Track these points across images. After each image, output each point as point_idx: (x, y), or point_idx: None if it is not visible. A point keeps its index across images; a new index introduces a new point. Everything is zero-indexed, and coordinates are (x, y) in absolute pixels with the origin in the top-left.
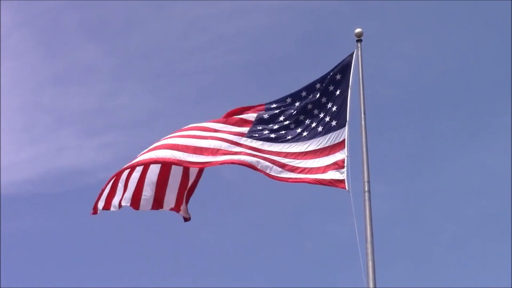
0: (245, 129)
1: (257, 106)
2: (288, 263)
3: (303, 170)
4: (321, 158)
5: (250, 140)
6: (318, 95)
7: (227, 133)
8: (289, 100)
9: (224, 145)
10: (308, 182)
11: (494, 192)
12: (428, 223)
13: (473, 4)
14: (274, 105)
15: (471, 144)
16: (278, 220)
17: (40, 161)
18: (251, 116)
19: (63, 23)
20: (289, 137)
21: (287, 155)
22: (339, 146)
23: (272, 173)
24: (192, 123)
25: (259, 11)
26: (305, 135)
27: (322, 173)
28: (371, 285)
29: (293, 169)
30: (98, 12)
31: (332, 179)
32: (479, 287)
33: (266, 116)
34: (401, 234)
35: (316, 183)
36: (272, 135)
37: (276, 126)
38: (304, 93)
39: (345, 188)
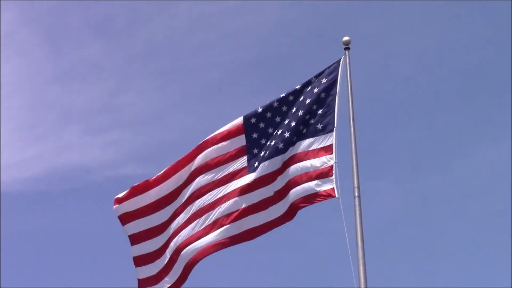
0: (243, 159)
1: (236, 125)
2: (290, 262)
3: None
4: (306, 161)
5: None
6: (303, 98)
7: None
8: (276, 104)
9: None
10: (300, 207)
11: (498, 191)
12: (433, 222)
13: (474, 4)
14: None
15: (476, 142)
16: None
17: (45, 158)
18: (239, 139)
19: (68, 20)
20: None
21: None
22: (325, 150)
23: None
24: (196, 142)
25: (265, 7)
26: (294, 139)
27: (307, 180)
28: (362, 285)
29: (280, 195)
30: (103, 10)
31: (319, 192)
32: (479, 287)
33: (255, 135)
34: (405, 232)
35: (308, 204)
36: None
37: (271, 142)
38: (291, 97)
39: (335, 196)
